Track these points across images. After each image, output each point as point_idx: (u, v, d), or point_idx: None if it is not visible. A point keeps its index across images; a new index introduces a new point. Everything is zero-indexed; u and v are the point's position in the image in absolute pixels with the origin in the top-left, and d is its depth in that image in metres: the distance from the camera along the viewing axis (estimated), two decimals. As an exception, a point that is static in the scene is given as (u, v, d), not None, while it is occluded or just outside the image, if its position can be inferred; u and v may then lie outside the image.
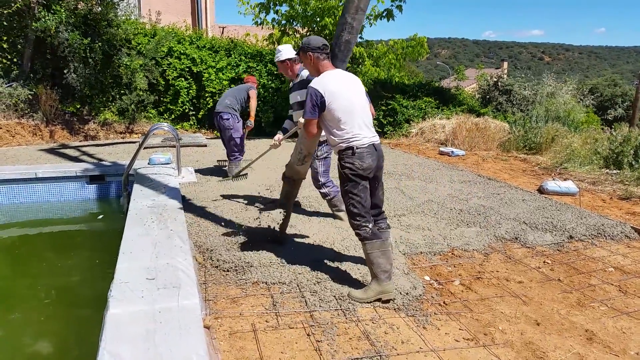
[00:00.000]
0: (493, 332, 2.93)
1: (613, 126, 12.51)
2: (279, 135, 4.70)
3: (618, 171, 7.83)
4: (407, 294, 3.33)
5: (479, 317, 3.11)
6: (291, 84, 4.80)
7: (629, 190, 6.60)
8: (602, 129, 12.07)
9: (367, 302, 3.19)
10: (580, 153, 8.70)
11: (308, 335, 2.82)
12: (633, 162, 7.82)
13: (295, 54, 4.48)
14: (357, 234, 3.29)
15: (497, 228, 4.77)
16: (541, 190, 6.46)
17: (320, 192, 4.78)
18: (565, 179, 7.09)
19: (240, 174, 6.28)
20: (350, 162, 3.22)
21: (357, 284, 3.43)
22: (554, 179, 6.87)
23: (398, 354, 2.66)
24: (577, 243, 4.56)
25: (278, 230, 4.14)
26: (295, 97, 4.64)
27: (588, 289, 3.59)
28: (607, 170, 8.04)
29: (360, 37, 11.36)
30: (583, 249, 4.41)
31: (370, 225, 3.24)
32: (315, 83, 3.29)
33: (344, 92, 3.27)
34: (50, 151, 8.03)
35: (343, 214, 4.69)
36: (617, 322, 3.10)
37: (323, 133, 4.38)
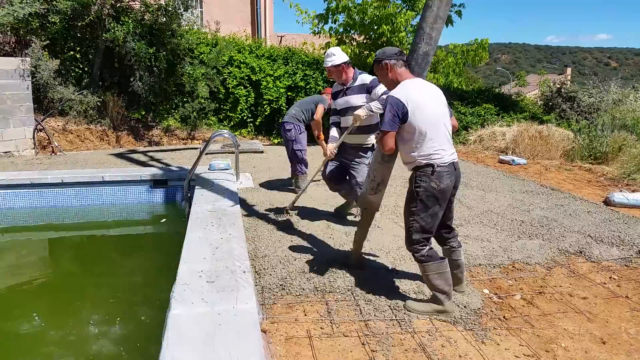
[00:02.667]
0: (555, 350, 2.82)
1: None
2: (332, 145, 4.58)
3: (694, 183, 7.34)
4: (465, 307, 3.26)
5: (540, 333, 3.00)
6: (338, 87, 4.69)
7: None
8: (676, 138, 11.32)
9: (423, 316, 3.15)
10: (651, 163, 8.22)
11: (363, 344, 2.82)
12: None
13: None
14: (412, 254, 3.17)
15: (561, 241, 4.58)
16: (607, 202, 6.16)
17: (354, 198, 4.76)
18: (633, 191, 6.73)
19: (294, 204, 5.23)
20: (427, 182, 2.97)
21: (412, 295, 3.40)
22: (621, 191, 6.53)
23: (455, 368, 2.61)
24: (647, 259, 4.31)
25: (354, 256, 3.86)
26: (351, 100, 4.50)
27: (660, 309, 3.39)
28: (682, 182, 7.55)
29: (418, 44, 11.27)
30: (655, 266, 4.17)
31: (427, 249, 3.07)
32: (397, 92, 3.02)
33: (427, 102, 3.02)
34: (117, 156, 8.44)
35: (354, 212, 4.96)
36: (692, 345, 2.91)
37: (366, 137, 4.43)
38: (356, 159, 4.61)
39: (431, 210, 3.01)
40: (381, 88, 4.21)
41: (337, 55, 4.48)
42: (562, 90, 16.69)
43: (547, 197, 6.30)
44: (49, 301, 4.09)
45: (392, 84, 3.16)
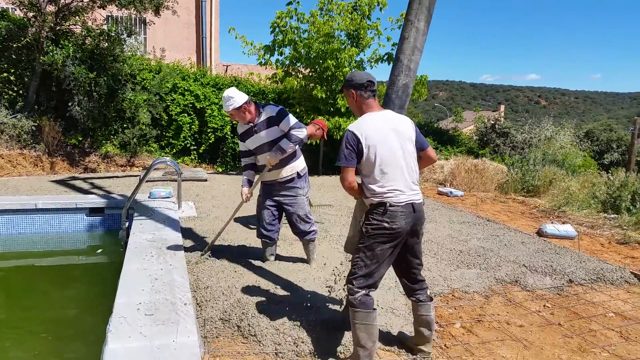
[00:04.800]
0: (495, 377, 2.89)
1: (610, 170, 12.62)
2: (246, 189, 4.33)
3: (616, 215, 7.86)
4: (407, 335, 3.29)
5: (480, 361, 3.08)
6: (244, 127, 4.30)
7: (627, 234, 6.61)
8: (599, 173, 12.17)
9: None
10: (578, 197, 8.74)
11: (307, 376, 2.78)
12: (631, 207, 7.86)
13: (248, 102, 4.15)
14: (347, 294, 2.95)
15: (497, 270, 4.75)
16: (540, 233, 6.48)
17: (307, 235, 4.44)
18: (563, 222, 7.11)
19: (206, 250, 4.70)
20: (378, 220, 2.79)
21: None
22: (552, 222, 6.89)
23: (399, 398, 2.62)
24: (577, 287, 4.55)
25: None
26: (264, 136, 4.19)
27: (589, 334, 3.56)
28: (605, 214, 8.07)
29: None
30: (583, 293, 4.40)
31: (361, 294, 2.82)
32: (354, 126, 2.88)
33: (385, 138, 2.84)
34: (51, 182, 8.05)
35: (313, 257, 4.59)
36: (619, 369, 3.06)
37: (291, 166, 4.28)
38: (289, 194, 4.34)
39: (378, 249, 2.81)
40: (290, 119, 4.13)
41: (236, 97, 4.10)
42: (496, 126, 17.62)
43: (483, 228, 6.55)
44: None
45: (359, 111, 3.00)
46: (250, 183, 4.40)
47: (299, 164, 4.39)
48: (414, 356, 3.07)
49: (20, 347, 3.66)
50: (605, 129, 33.59)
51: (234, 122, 10.70)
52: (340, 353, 3.03)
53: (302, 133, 4.16)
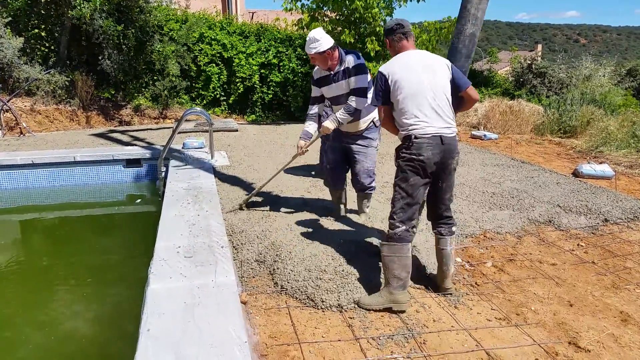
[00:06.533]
0: (525, 312, 2.93)
1: (652, 109, 12.10)
2: (303, 142, 4.06)
3: (657, 155, 7.60)
4: (438, 274, 3.34)
5: (511, 298, 3.12)
6: (321, 73, 4.00)
7: (668, 174, 6.42)
8: (641, 111, 11.68)
9: (376, 310, 2.92)
10: (617, 136, 8.46)
11: (340, 312, 2.88)
12: (673, 146, 7.58)
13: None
14: (388, 228, 3.03)
15: (531, 211, 4.72)
16: (576, 174, 6.35)
17: (367, 190, 4.18)
18: (600, 162, 6.93)
19: (250, 199, 4.65)
20: (407, 153, 2.88)
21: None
22: (589, 162, 6.72)
23: (430, 332, 2.70)
24: (612, 226, 4.49)
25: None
26: (339, 88, 3.90)
27: (623, 272, 3.54)
28: (646, 153, 7.81)
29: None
30: (619, 232, 4.34)
31: (402, 229, 2.92)
32: (383, 66, 3.02)
33: (411, 73, 2.92)
34: (88, 136, 8.27)
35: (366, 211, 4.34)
36: (653, 305, 3.06)
37: (366, 118, 3.93)
38: (361, 143, 4.03)
39: (412, 180, 2.88)
40: (361, 80, 3.78)
41: (322, 41, 3.77)
42: (533, 66, 16.95)
43: (517, 170, 6.45)
44: (24, 282, 4.05)
45: (394, 54, 3.12)
46: (309, 136, 4.08)
47: (374, 114, 4.01)
48: (438, 293, 3.13)
49: (69, 290, 3.89)
50: (650, 66, 31.91)
51: (289, 62, 10.63)
52: (369, 290, 3.10)
53: (360, 103, 3.76)
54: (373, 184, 4.19)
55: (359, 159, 4.06)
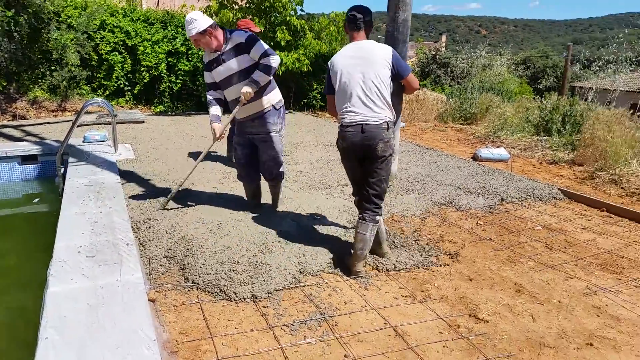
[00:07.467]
0: (429, 289, 3.10)
1: (543, 95, 13.12)
2: (217, 124, 3.90)
3: (547, 138, 8.29)
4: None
5: (416, 276, 3.28)
6: (210, 56, 3.87)
7: (557, 155, 7.02)
8: (534, 98, 12.67)
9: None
10: (512, 121, 9.13)
11: (254, 302, 2.88)
12: (561, 129, 8.29)
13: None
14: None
15: (434, 194, 4.97)
16: (475, 158, 6.76)
17: (275, 178, 4.16)
18: (498, 146, 7.44)
19: (167, 202, 4.27)
20: (338, 138, 3.25)
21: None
22: (487, 147, 7.19)
23: (341, 314, 2.77)
24: (507, 205, 4.84)
25: None
26: (232, 66, 3.78)
27: (517, 247, 3.84)
28: (538, 137, 8.49)
29: (302, 10, 11.29)
30: (513, 210, 4.69)
31: (355, 199, 3.40)
32: (333, 57, 3.28)
33: (348, 63, 3.14)
34: (-25, 131, 7.58)
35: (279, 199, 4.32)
36: (542, 275, 3.35)
37: (267, 98, 3.90)
38: (262, 130, 3.94)
39: (344, 163, 3.34)
40: (259, 47, 3.71)
41: (200, 19, 3.68)
42: (437, 57, 17.76)
43: (422, 156, 6.76)
44: None
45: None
46: (219, 119, 3.93)
47: (274, 96, 3.97)
48: (350, 277, 3.23)
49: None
50: (542, 56, 34.63)
51: (198, 50, 10.20)
52: (284, 280, 3.13)
53: (275, 60, 3.72)
54: (282, 170, 4.16)
55: (263, 149, 4.01)
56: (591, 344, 2.55)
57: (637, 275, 3.38)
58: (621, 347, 2.53)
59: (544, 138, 8.31)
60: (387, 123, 3.11)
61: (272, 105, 3.94)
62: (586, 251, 3.78)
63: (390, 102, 3.17)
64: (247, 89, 3.69)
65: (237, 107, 3.82)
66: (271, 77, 3.86)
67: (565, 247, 3.84)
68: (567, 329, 2.69)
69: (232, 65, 3.78)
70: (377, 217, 3.24)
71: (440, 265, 3.45)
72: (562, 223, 4.39)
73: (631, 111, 7.82)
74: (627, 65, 9.66)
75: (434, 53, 18.39)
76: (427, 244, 3.80)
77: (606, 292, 3.13)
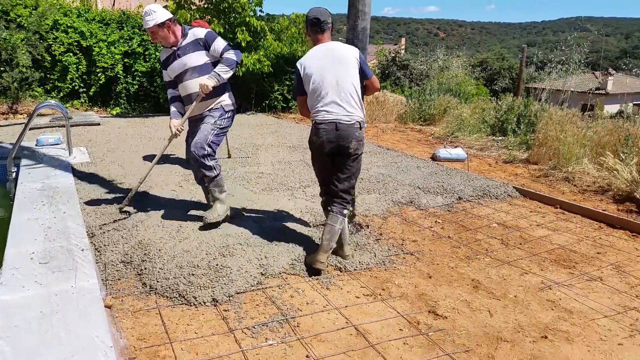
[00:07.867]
0: (390, 287, 3.14)
1: (499, 96, 13.49)
2: (176, 120, 3.83)
3: (503, 137, 8.52)
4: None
5: (377, 275, 3.31)
6: (167, 52, 3.84)
7: (512, 154, 7.22)
8: (490, 99, 13.02)
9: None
10: (469, 122, 9.33)
11: (215, 306, 2.85)
12: (516, 129, 8.54)
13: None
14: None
15: (394, 194, 5.04)
16: (434, 158, 6.89)
17: (201, 165, 3.74)
18: (455, 147, 7.60)
19: (126, 205, 4.09)
20: (311, 135, 3.33)
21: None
22: (445, 147, 7.34)
23: (303, 315, 2.77)
24: (465, 203, 4.95)
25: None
26: (189, 61, 3.73)
27: (474, 244, 3.93)
28: (494, 137, 8.72)
29: (261, 11, 11.25)
30: (470, 209, 4.80)
31: (322, 199, 3.53)
32: (300, 59, 3.37)
33: (320, 65, 3.25)
34: None
35: (219, 203, 3.87)
36: (499, 271, 3.44)
37: (220, 99, 3.87)
38: (201, 122, 3.85)
39: (315, 161, 3.44)
40: (220, 42, 3.72)
41: (158, 12, 3.63)
42: (397, 59, 18.02)
43: (383, 156, 6.84)
44: None
45: (313, 45, 3.42)
46: (179, 115, 3.88)
47: (227, 100, 3.91)
48: (311, 277, 3.23)
49: None
50: (498, 58, 35.65)
51: (155, 50, 9.96)
52: (245, 282, 3.11)
53: (238, 55, 3.72)
54: (203, 153, 3.70)
55: (198, 128, 3.83)
56: (546, 337, 2.63)
57: (589, 269, 3.52)
58: (574, 339, 2.62)
59: (500, 138, 8.54)
60: (359, 123, 3.28)
61: (222, 106, 3.88)
62: (541, 247, 3.91)
63: (362, 103, 3.33)
64: (207, 81, 3.65)
65: (194, 103, 3.75)
66: (234, 71, 3.82)
67: (520, 244, 3.96)
68: (523, 323, 2.77)
69: (187, 60, 3.76)
70: (345, 211, 3.37)
71: (401, 264, 3.50)
72: (517, 220, 4.52)
73: (582, 111, 8.13)
74: (577, 67, 10.04)
75: (393, 55, 18.67)
76: (388, 243, 3.85)
77: (560, 286, 3.24)
